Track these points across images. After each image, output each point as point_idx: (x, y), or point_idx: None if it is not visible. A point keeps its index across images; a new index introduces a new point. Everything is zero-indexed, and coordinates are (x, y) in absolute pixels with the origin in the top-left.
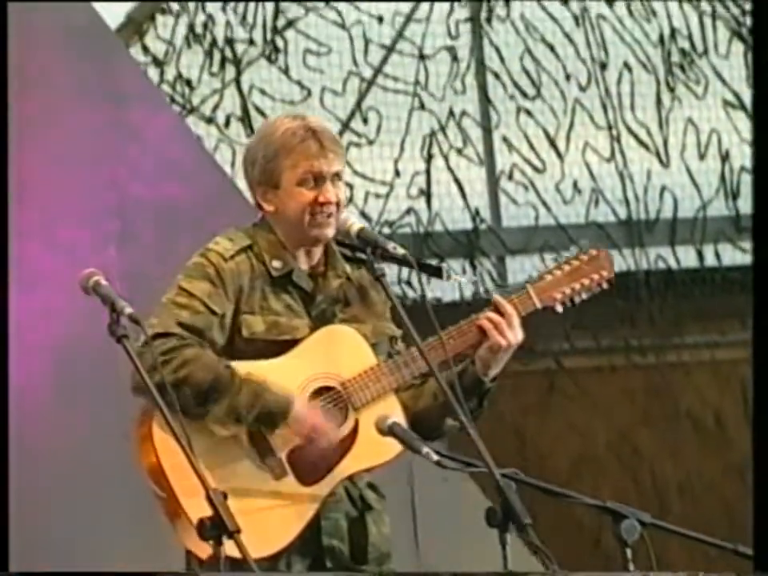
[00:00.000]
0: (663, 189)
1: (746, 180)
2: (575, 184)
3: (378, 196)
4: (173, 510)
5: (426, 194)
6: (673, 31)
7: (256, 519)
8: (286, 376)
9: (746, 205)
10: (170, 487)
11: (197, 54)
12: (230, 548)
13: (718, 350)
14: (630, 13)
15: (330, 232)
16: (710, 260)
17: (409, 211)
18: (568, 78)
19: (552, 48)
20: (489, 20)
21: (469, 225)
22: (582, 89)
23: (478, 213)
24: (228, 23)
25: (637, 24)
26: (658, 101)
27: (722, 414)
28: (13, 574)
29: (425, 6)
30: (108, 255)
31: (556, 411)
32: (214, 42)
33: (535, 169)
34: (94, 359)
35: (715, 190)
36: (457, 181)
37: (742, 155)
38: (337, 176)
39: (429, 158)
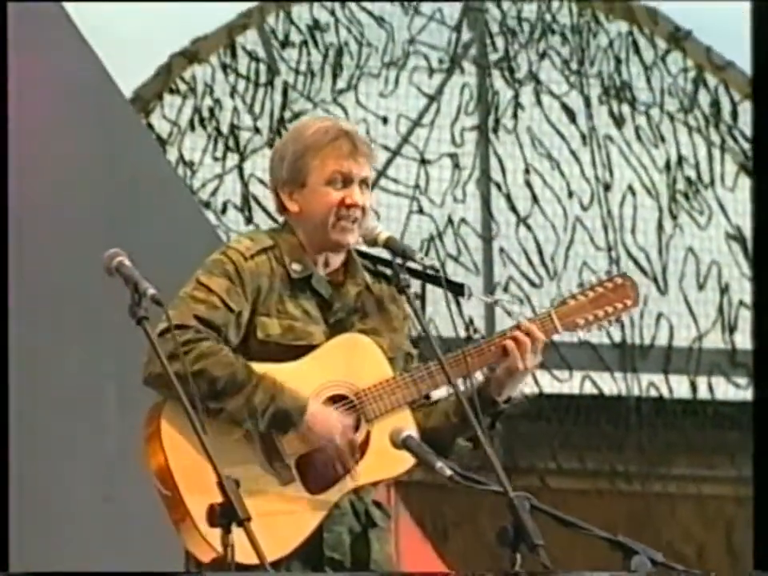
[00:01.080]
0: (660, 316)
1: (744, 315)
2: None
3: None
4: (176, 510)
5: (421, 298)
6: (680, 159)
7: (259, 524)
8: (300, 381)
9: (743, 339)
10: (176, 486)
11: (201, 137)
12: (243, 553)
13: (704, 485)
14: (638, 137)
15: (353, 238)
16: (702, 392)
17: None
18: (571, 195)
19: (557, 164)
20: (495, 130)
21: (462, 333)
22: (584, 208)
23: (471, 322)
24: (235, 109)
25: (644, 148)
26: (660, 227)
27: (704, 549)
28: (13, 574)
29: (431, 111)
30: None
31: None
32: (218, 127)
33: (531, 283)
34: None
35: (712, 322)
36: None
37: (742, 289)
38: (365, 182)
39: None
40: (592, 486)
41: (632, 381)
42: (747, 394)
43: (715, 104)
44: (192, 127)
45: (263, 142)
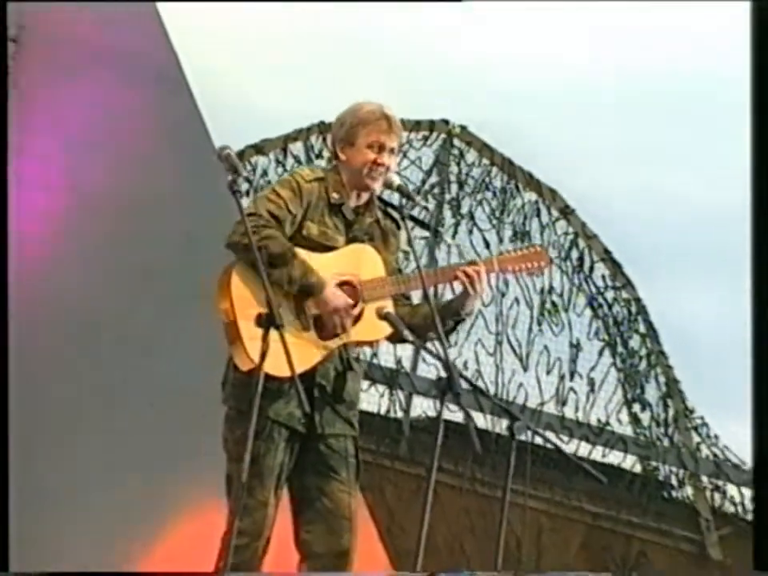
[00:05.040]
0: (521, 384)
1: (572, 396)
2: (465, 363)
3: None
4: (232, 332)
5: None
6: (551, 288)
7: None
8: (325, 266)
9: (570, 412)
10: (234, 315)
11: (245, 202)
12: (268, 366)
13: (530, 500)
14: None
15: (378, 185)
16: (538, 440)
17: None
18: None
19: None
20: (438, 244)
21: (392, 364)
22: (485, 305)
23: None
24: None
25: (531, 276)
26: (530, 329)
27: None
28: (13, 574)
29: None
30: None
31: None
32: (247, 194)
33: (430, 352)
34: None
35: (550, 396)
36: None
37: (573, 381)
38: (392, 150)
39: None
40: (451, 481)
41: (493, 420)
42: (567, 448)
43: (580, 260)
44: (247, 194)
45: None
